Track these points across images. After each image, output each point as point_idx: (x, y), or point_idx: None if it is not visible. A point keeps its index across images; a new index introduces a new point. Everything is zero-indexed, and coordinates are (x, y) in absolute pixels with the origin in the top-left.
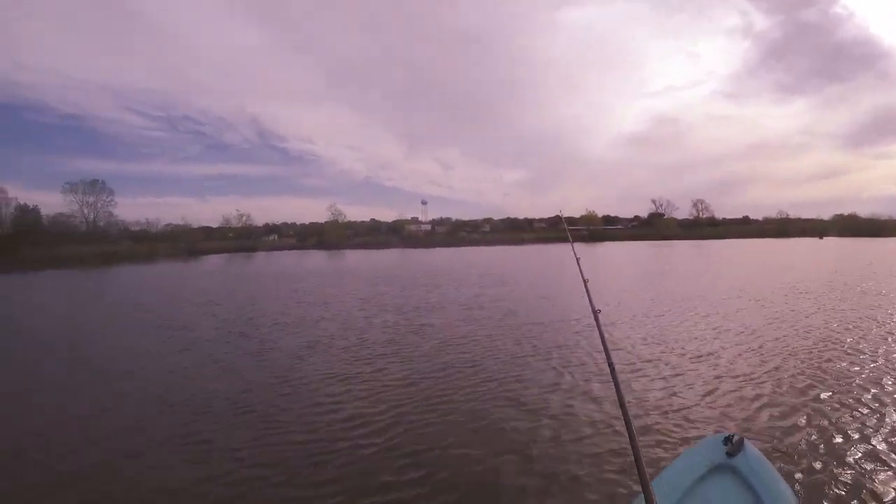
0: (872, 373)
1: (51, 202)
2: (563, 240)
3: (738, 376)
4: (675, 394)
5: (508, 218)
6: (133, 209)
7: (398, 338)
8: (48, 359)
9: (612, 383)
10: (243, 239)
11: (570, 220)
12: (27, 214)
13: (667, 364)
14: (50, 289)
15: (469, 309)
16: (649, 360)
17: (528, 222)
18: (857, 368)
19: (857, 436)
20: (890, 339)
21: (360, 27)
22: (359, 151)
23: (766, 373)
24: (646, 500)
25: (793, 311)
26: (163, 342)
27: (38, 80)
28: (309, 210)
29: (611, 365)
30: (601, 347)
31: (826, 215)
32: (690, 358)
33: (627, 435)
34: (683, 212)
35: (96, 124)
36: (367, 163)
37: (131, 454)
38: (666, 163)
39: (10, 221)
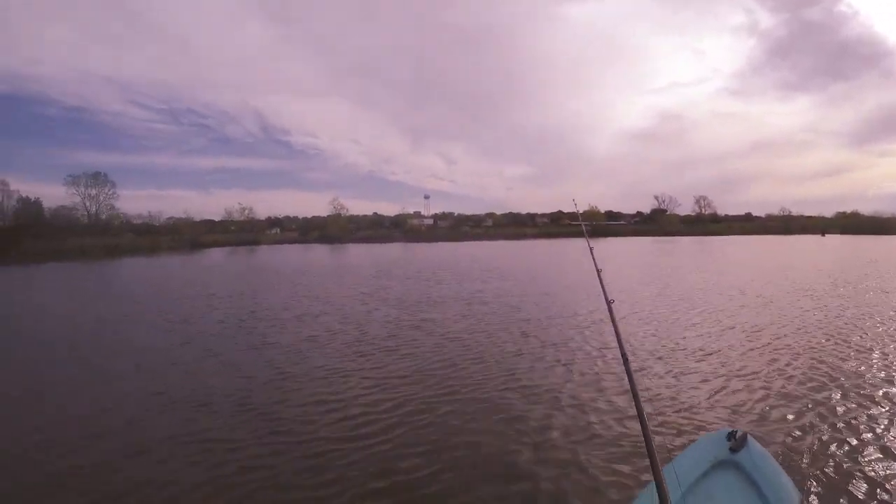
0: (875, 370)
1: (53, 195)
2: (566, 234)
3: (741, 372)
4: (678, 389)
5: (511, 213)
6: (136, 202)
7: (400, 332)
8: (48, 357)
9: (626, 374)
10: (246, 232)
11: (573, 216)
12: (29, 207)
13: (671, 359)
14: (51, 281)
15: (470, 304)
16: (654, 355)
17: (531, 217)
18: (859, 365)
19: (859, 431)
20: (892, 338)
21: (365, 22)
22: (362, 145)
23: (768, 369)
24: (658, 490)
25: (795, 308)
26: (164, 337)
27: (42, 73)
28: (312, 204)
29: (624, 356)
30: (605, 342)
31: (829, 213)
32: (694, 354)
33: (640, 426)
34: (686, 208)
35: (100, 117)
36: (371, 157)
37: (132, 453)
38: (669, 159)
39: (12, 214)
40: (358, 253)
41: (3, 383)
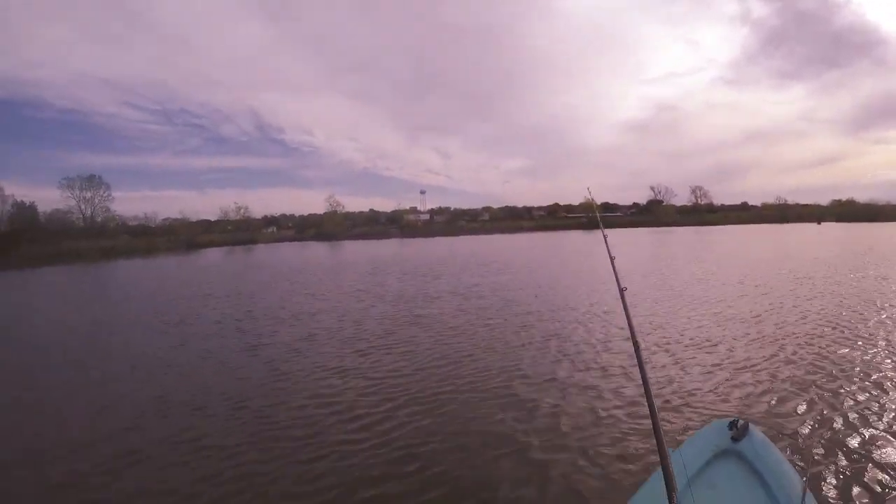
0: (875, 357)
1: (48, 198)
2: (563, 227)
3: (742, 361)
4: (680, 379)
5: (507, 206)
6: (131, 203)
7: (396, 329)
8: (43, 362)
9: (637, 363)
10: (242, 231)
11: (569, 208)
12: (24, 211)
13: (673, 349)
14: (47, 286)
15: (467, 298)
16: (656, 344)
17: (528, 210)
18: (859, 353)
19: (862, 418)
20: (891, 324)
21: (359, 17)
22: (357, 142)
23: (769, 358)
24: (665, 478)
25: (794, 296)
26: (160, 339)
27: (39, 77)
28: (308, 202)
29: (636, 344)
30: (609, 334)
31: (824, 201)
32: (695, 343)
33: (650, 414)
34: (682, 198)
35: (94, 119)
36: (366, 153)
37: (129, 455)
38: (665, 150)
39: (7, 219)
40: (354, 250)
41: (1, 385)
